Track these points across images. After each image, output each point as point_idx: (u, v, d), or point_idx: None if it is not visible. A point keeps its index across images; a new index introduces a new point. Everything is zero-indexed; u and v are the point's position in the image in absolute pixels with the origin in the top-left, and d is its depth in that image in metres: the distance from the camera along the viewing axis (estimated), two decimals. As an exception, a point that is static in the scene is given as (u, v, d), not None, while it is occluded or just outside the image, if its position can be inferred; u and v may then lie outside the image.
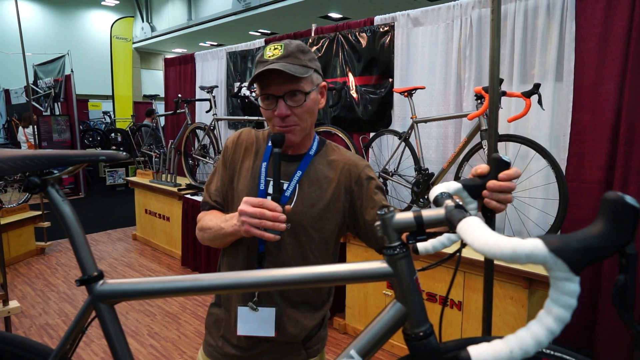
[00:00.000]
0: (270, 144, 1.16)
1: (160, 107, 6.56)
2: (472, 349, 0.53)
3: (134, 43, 13.11)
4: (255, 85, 1.10)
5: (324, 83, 1.14)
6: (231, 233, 1.04)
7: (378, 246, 1.14)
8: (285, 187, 1.12)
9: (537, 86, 2.32)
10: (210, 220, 1.12)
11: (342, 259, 2.93)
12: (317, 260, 1.14)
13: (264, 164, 1.15)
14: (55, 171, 0.83)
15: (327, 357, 1.30)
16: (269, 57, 1.05)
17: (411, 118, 2.96)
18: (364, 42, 3.52)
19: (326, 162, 1.17)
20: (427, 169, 2.92)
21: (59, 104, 8.59)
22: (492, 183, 0.80)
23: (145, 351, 2.91)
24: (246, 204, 0.97)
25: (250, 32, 13.96)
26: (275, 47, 1.06)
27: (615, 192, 0.48)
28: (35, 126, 5.76)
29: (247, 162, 1.18)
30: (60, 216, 0.82)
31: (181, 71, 5.61)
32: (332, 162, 1.17)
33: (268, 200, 0.97)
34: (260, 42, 4.56)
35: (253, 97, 3.99)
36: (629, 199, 0.47)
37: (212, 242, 1.15)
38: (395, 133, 3.15)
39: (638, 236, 2.34)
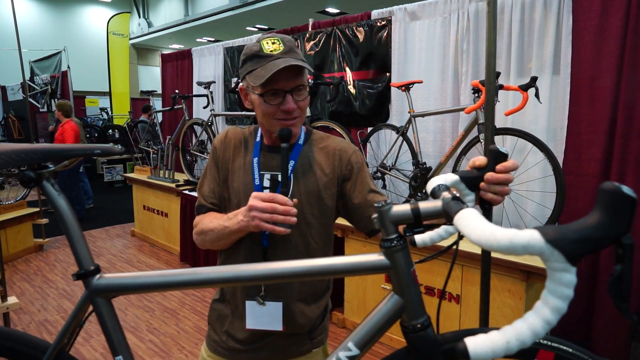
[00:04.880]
0: (257, 139, 1.19)
1: (157, 103, 6.54)
2: (469, 340, 0.53)
3: (130, 39, 13.05)
4: (247, 79, 1.08)
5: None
6: (237, 230, 1.03)
7: (367, 229, 1.15)
8: (279, 179, 1.13)
9: (534, 79, 2.32)
10: (211, 222, 1.11)
11: (340, 253, 2.93)
12: (319, 247, 1.16)
13: (255, 159, 1.15)
14: (51, 165, 0.82)
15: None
16: (271, 51, 1.04)
17: (409, 112, 2.96)
18: (361, 37, 3.50)
19: (317, 150, 1.19)
20: (425, 163, 2.92)
21: (56, 100, 8.56)
22: (489, 175, 0.80)
23: (144, 346, 2.91)
24: (256, 199, 0.98)
25: (248, 28, 13.87)
26: (273, 41, 1.06)
27: (612, 183, 0.48)
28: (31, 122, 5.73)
29: (238, 159, 1.18)
30: (56, 210, 0.82)
31: (178, 67, 5.59)
32: (323, 149, 1.19)
33: (279, 195, 0.99)
34: (257, 38, 4.54)
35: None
36: (625, 189, 0.47)
37: (214, 244, 1.14)
38: (392, 127, 3.15)
39: (635, 226, 2.33)
